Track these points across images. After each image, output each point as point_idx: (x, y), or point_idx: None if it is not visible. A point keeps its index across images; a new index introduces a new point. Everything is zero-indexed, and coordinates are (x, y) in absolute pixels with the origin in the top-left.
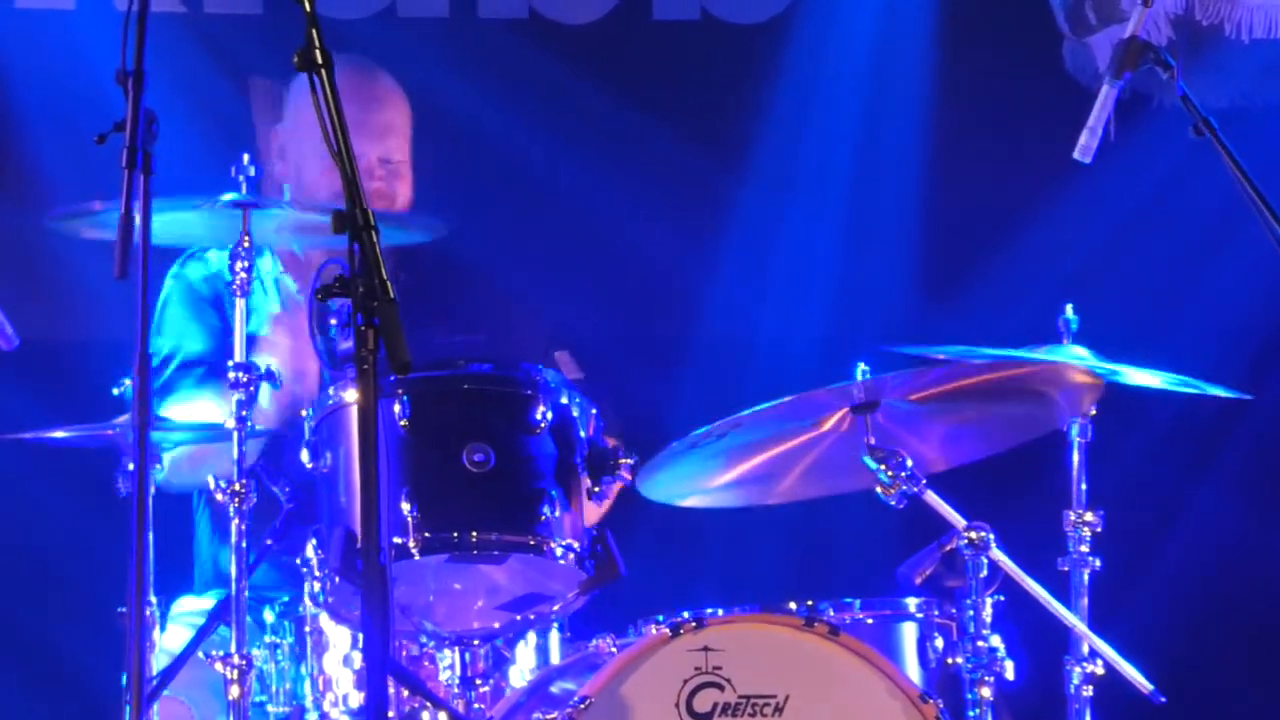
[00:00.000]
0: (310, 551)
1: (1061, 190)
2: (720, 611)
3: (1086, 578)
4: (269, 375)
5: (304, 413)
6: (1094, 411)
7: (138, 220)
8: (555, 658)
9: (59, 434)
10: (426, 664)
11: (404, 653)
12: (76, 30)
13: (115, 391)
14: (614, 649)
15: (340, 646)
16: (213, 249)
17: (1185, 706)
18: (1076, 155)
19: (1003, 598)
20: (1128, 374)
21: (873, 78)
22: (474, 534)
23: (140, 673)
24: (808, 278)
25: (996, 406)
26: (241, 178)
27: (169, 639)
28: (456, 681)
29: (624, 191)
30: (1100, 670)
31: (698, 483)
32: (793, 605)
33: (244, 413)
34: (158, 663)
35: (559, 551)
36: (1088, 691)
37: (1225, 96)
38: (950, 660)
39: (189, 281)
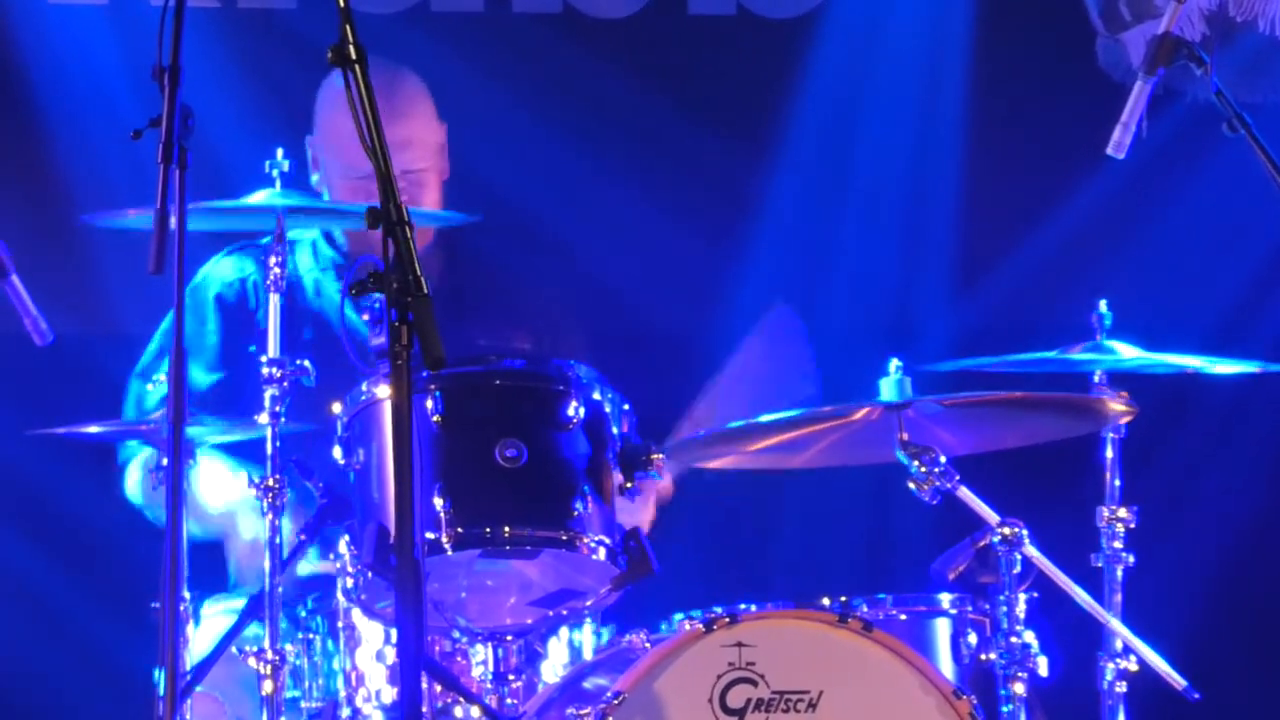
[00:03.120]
0: (343, 547)
1: (1094, 186)
2: (754, 607)
3: (1120, 574)
4: (303, 371)
5: (336, 409)
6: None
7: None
8: (588, 653)
9: (93, 429)
10: (459, 659)
11: (437, 648)
12: (109, 27)
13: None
14: (647, 644)
15: (373, 642)
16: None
17: (1219, 703)
18: (1110, 151)
19: (1036, 594)
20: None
21: (906, 73)
22: (506, 529)
23: (174, 668)
24: (840, 271)
25: (1029, 414)
26: (275, 172)
27: (201, 637)
28: (489, 677)
29: (657, 186)
30: (1134, 667)
31: (723, 448)
32: (826, 601)
33: (278, 409)
34: (191, 659)
35: (591, 546)
36: (1121, 688)
37: (1259, 92)
38: (983, 656)
39: (214, 289)
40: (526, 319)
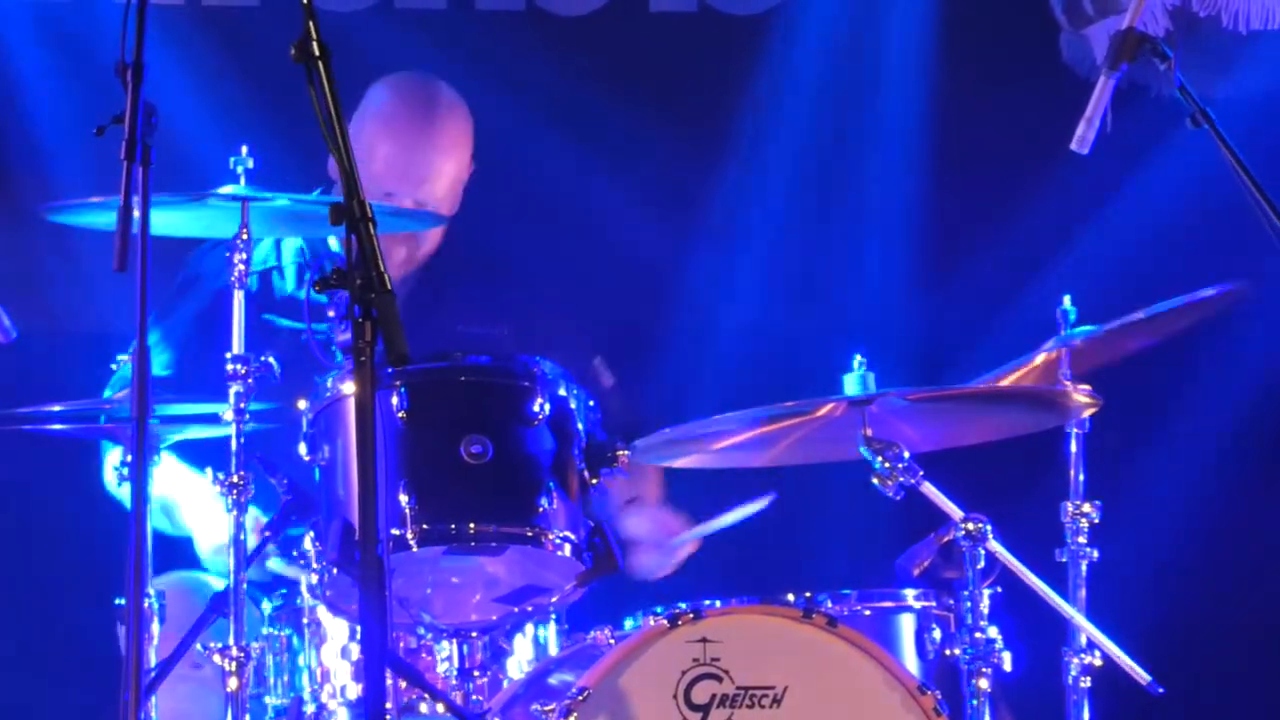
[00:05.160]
0: (308, 543)
1: (1058, 181)
2: (718, 603)
3: (1084, 569)
4: (267, 367)
5: (301, 405)
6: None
7: (136, 213)
8: (553, 650)
9: (57, 426)
10: (424, 656)
11: (402, 644)
12: (80, 20)
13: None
14: (612, 640)
15: (338, 638)
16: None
17: (1183, 697)
18: (1074, 146)
19: (1000, 589)
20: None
21: (870, 69)
22: (472, 525)
23: (139, 663)
24: (804, 267)
25: (993, 408)
26: (240, 169)
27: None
28: (454, 673)
29: (620, 183)
30: (1098, 661)
31: (688, 446)
32: (791, 597)
33: (242, 405)
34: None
35: (556, 543)
36: (1085, 683)
37: (1222, 87)
38: (948, 652)
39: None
40: (515, 315)
